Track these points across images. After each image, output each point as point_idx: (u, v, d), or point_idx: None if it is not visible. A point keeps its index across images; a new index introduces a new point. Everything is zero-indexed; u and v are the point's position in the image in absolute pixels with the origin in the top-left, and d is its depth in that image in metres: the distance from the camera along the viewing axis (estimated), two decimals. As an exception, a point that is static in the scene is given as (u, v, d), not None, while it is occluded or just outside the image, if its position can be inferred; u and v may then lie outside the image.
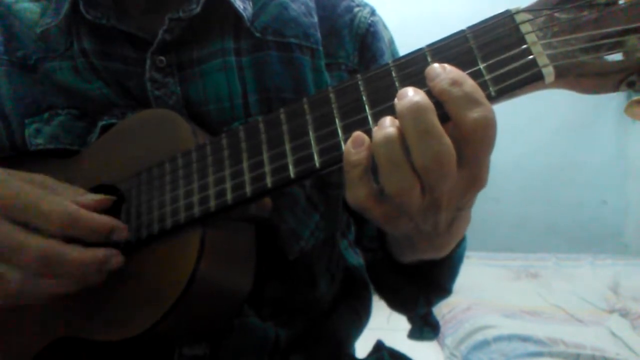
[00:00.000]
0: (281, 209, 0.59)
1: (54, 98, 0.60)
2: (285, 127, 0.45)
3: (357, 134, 0.41)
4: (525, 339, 1.80)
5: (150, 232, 0.50)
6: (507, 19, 0.39)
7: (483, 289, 2.17)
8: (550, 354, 1.72)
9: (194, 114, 0.59)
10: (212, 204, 0.47)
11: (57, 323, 0.53)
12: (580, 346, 1.74)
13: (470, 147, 0.39)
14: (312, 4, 0.65)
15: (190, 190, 0.49)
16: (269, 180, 0.45)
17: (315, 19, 0.64)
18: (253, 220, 0.54)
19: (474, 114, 0.37)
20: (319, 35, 0.63)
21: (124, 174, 0.54)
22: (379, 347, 0.74)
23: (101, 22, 0.58)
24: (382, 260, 0.63)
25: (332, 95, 0.44)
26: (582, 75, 0.36)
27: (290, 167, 0.44)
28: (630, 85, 0.35)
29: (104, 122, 0.59)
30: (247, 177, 0.46)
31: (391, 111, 0.40)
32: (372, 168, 0.41)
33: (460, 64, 0.39)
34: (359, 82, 0.43)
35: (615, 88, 0.36)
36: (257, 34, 0.61)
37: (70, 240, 0.46)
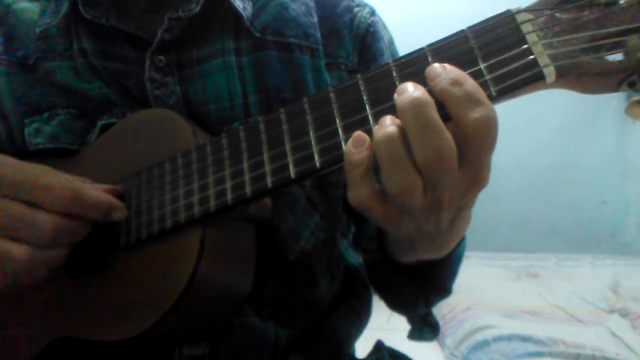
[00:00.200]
0: (281, 209, 0.59)
1: (53, 98, 0.60)
2: (285, 127, 0.45)
3: (358, 133, 0.41)
4: (525, 339, 1.80)
5: (150, 232, 0.50)
6: (507, 18, 0.39)
7: (483, 289, 2.17)
8: (550, 354, 1.72)
9: (193, 114, 0.59)
10: (212, 204, 0.47)
11: (57, 323, 0.53)
12: (580, 346, 1.74)
13: (471, 147, 0.38)
14: (312, 4, 0.65)
15: (190, 190, 0.49)
16: (269, 180, 0.45)
17: (315, 19, 0.64)
18: (253, 220, 0.54)
19: (476, 113, 0.37)
20: (318, 35, 0.63)
21: (123, 174, 0.54)
22: (379, 347, 0.74)
23: (100, 21, 0.58)
24: (381, 261, 0.63)
25: (332, 95, 0.44)
26: (582, 75, 0.36)
27: (291, 167, 0.44)
28: (631, 86, 0.35)
29: (103, 122, 0.59)
30: (247, 177, 0.46)
31: (392, 111, 0.40)
32: (373, 168, 0.41)
33: (461, 64, 0.39)
34: (360, 82, 0.43)
35: (616, 88, 0.36)
36: (257, 34, 0.61)
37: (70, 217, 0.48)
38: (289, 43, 0.62)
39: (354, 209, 0.42)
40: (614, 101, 2.71)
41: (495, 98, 0.39)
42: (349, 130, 0.42)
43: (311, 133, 0.44)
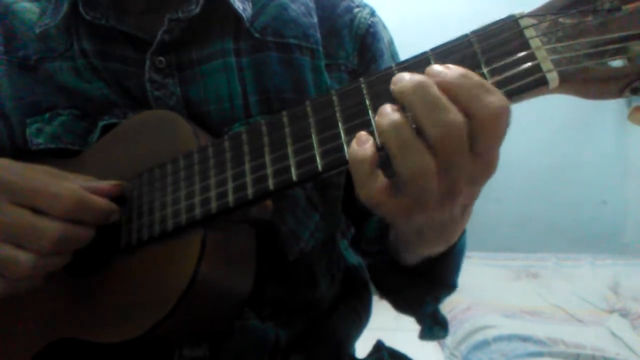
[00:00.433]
0: (281, 210, 0.59)
1: (55, 98, 0.60)
2: (287, 130, 0.45)
3: (361, 133, 0.40)
4: (525, 339, 1.80)
5: (152, 233, 0.50)
6: (511, 23, 0.39)
7: (483, 289, 2.16)
8: (550, 354, 1.72)
9: (194, 115, 0.59)
10: (214, 205, 0.47)
11: (57, 324, 0.53)
12: (580, 346, 1.74)
13: (486, 135, 0.38)
14: (311, 4, 0.65)
15: (192, 192, 0.49)
16: (270, 183, 0.45)
17: (315, 20, 0.64)
18: (254, 222, 0.54)
19: (490, 100, 0.37)
20: (318, 35, 0.63)
21: (125, 175, 0.54)
22: (379, 347, 0.74)
23: (100, 22, 0.58)
24: (383, 263, 0.63)
25: (335, 98, 0.44)
26: (586, 81, 0.36)
27: (293, 170, 0.44)
28: (635, 92, 0.35)
29: (104, 122, 0.59)
30: (248, 179, 0.46)
31: None
32: (380, 164, 0.41)
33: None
34: (362, 86, 0.43)
35: (619, 94, 0.36)
36: (257, 35, 0.61)
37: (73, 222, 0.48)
38: (289, 44, 0.62)
39: (366, 206, 0.42)
40: (613, 101, 2.70)
41: None
42: (351, 133, 0.42)
43: (313, 136, 0.44)
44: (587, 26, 0.35)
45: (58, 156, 0.59)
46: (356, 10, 0.67)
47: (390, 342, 0.75)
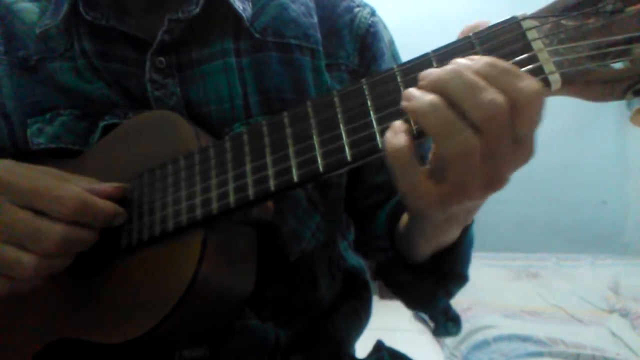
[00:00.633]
0: (282, 210, 0.59)
1: (55, 98, 0.60)
2: (289, 131, 0.45)
3: (395, 123, 0.39)
4: (525, 339, 1.80)
5: (152, 233, 0.50)
6: (513, 25, 0.38)
7: (483, 289, 2.16)
8: (550, 354, 1.72)
9: (194, 115, 0.59)
10: (215, 206, 0.47)
11: (57, 324, 0.53)
12: (580, 346, 1.74)
13: (523, 121, 0.37)
14: (312, 4, 0.65)
15: (193, 193, 0.49)
16: (272, 183, 0.45)
17: (315, 20, 0.64)
18: (255, 223, 0.54)
19: (523, 84, 0.36)
20: (319, 35, 0.63)
21: (125, 175, 0.54)
22: (379, 347, 0.74)
23: (101, 23, 0.58)
24: (394, 259, 0.63)
25: (336, 99, 0.44)
26: (588, 83, 0.36)
27: (294, 171, 0.44)
28: (637, 94, 0.34)
29: (105, 122, 0.59)
30: (250, 179, 0.46)
31: (396, 115, 0.40)
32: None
33: None
34: (364, 87, 0.42)
35: (622, 96, 0.36)
36: (257, 35, 0.61)
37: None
38: (289, 44, 0.61)
39: (406, 198, 0.41)
40: (614, 102, 2.70)
41: None
42: (352, 134, 0.42)
43: (314, 137, 0.44)
44: (589, 28, 0.35)
45: (58, 156, 0.59)
46: (356, 10, 0.66)
47: (390, 342, 0.75)
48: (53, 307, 0.54)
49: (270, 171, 0.45)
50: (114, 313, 0.50)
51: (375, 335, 0.77)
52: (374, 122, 0.41)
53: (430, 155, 0.41)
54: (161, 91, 0.58)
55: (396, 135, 0.39)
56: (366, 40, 0.66)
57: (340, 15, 0.65)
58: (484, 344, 1.79)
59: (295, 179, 0.44)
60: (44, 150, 0.60)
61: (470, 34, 0.39)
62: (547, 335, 1.80)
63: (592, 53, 0.35)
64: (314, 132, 0.44)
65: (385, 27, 0.70)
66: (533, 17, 0.38)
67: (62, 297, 0.54)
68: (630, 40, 0.34)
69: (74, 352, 0.54)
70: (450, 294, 0.63)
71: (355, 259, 0.76)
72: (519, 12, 0.39)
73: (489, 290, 2.17)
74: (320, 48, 0.63)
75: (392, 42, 0.71)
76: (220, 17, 0.61)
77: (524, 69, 0.38)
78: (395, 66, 0.42)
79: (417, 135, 0.39)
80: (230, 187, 0.47)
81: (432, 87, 0.38)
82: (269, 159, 0.46)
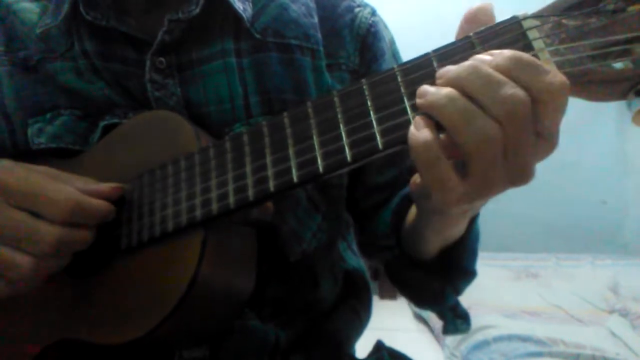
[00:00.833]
0: (282, 210, 0.59)
1: (56, 98, 0.60)
2: (289, 131, 0.45)
3: (417, 118, 0.39)
4: (525, 339, 1.79)
5: (152, 234, 0.50)
6: (514, 24, 0.38)
7: (483, 289, 2.15)
8: (550, 354, 1.71)
9: (194, 115, 0.59)
10: (215, 207, 0.47)
11: (57, 325, 0.53)
12: (580, 346, 1.74)
13: (549, 114, 0.37)
14: (312, 5, 0.65)
15: (193, 193, 0.49)
16: (271, 184, 0.45)
17: (316, 20, 0.64)
18: (255, 224, 0.54)
19: (547, 78, 0.35)
20: (319, 35, 0.63)
21: (126, 176, 0.54)
22: (379, 347, 0.73)
23: (101, 23, 0.58)
24: (401, 257, 0.62)
25: (336, 100, 0.43)
26: (589, 83, 0.36)
27: (294, 171, 0.44)
28: (638, 94, 0.34)
29: (105, 122, 0.59)
30: (249, 180, 0.46)
31: (397, 116, 0.40)
32: None
33: None
34: (364, 87, 0.42)
35: (623, 96, 0.36)
36: (257, 35, 0.61)
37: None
38: (290, 44, 0.61)
39: (433, 193, 0.40)
40: (614, 102, 2.70)
41: None
42: (352, 134, 0.42)
43: (314, 137, 0.43)
44: (591, 28, 0.35)
45: (59, 156, 0.59)
46: (357, 10, 0.66)
47: (390, 342, 0.75)
48: (53, 308, 0.54)
49: (270, 172, 0.45)
50: (114, 314, 0.50)
51: (375, 335, 0.77)
52: (374, 123, 0.41)
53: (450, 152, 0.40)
54: (161, 91, 0.58)
55: (420, 129, 0.38)
56: (367, 40, 0.65)
57: (340, 15, 0.65)
58: (484, 344, 1.79)
59: (295, 179, 0.43)
60: (45, 150, 0.60)
61: (471, 34, 0.39)
62: (547, 335, 1.80)
63: (593, 53, 0.35)
64: (314, 132, 0.44)
65: (386, 26, 0.70)
66: (534, 16, 0.37)
67: (61, 298, 0.54)
68: (631, 40, 0.34)
69: (74, 353, 0.54)
70: (459, 290, 0.63)
71: (354, 260, 0.76)
72: (519, 11, 0.39)
73: (489, 290, 2.16)
74: (321, 48, 0.63)
75: (392, 42, 0.71)
76: (221, 18, 0.61)
77: None
78: (395, 66, 0.42)
79: (440, 128, 0.38)
80: (230, 187, 0.47)
81: (449, 83, 0.38)
82: (268, 160, 0.46)
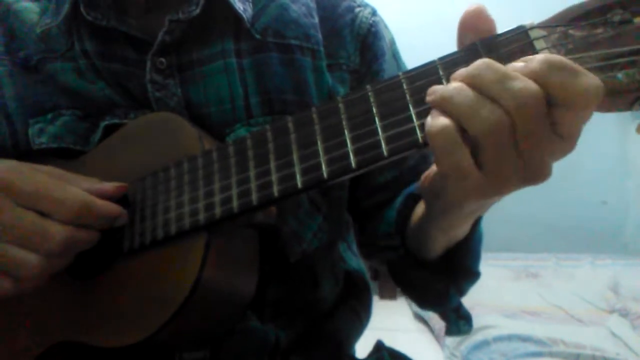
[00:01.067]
0: (283, 211, 0.59)
1: (57, 98, 0.60)
2: (293, 136, 0.45)
3: (432, 111, 0.38)
4: (525, 339, 1.80)
5: (155, 237, 0.50)
6: (521, 34, 0.38)
7: (483, 289, 2.15)
8: (550, 354, 1.72)
9: (195, 116, 0.59)
10: (218, 211, 0.47)
11: (58, 326, 0.53)
12: (580, 346, 1.74)
13: (579, 116, 0.36)
14: (312, 5, 0.65)
15: (196, 197, 0.49)
16: (275, 189, 0.45)
17: (316, 20, 0.64)
18: (258, 227, 0.54)
19: (585, 80, 0.35)
20: (319, 36, 0.63)
21: (128, 178, 0.54)
22: (379, 347, 0.74)
23: (101, 23, 0.58)
24: (405, 257, 0.62)
25: (341, 106, 0.43)
26: (595, 93, 0.36)
27: (298, 177, 0.44)
28: (645, 105, 0.34)
29: (106, 123, 0.59)
30: (253, 185, 0.46)
31: (402, 123, 0.40)
32: None
33: None
34: (369, 94, 0.42)
35: (629, 107, 0.36)
36: (258, 36, 0.61)
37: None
38: (290, 44, 0.61)
39: (448, 178, 0.40)
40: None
41: None
42: (357, 141, 0.42)
43: (319, 143, 0.43)
44: (597, 39, 0.35)
45: (60, 156, 0.59)
46: (357, 10, 0.67)
47: (390, 342, 0.75)
48: (55, 310, 0.54)
49: (274, 177, 0.45)
50: (116, 316, 0.50)
51: (375, 335, 0.77)
52: (380, 130, 0.41)
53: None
54: (162, 92, 0.58)
55: (437, 117, 0.38)
56: (367, 40, 0.65)
57: (341, 15, 0.66)
58: (484, 344, 1.79)
59: (299, 185, 0.43)
60: (46, 151, 0.60)
61: (477, 42, 0.39)
62: (547, 335, 1.80)
63: (600, 64, 0.35)
64: (319, 138, 0.44)
65: (386, 26, 0.70)
66: (541, 26, 0.37)
67: (63, 299, 0.54)
68: (638, 52, 0.34)
69: (75, 354, 0.54)
70: (462, 291, 0.62)
71: (354, 260, 0.76)
72: (520, 13, 0.39)
73: (489, 290, 2.16)
74: (321, 48, 0.63)
75: (393, 42, 0.71)
76: (221, 18, 0.61)
77: None
78: (400, 73, 0.42)
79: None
80: (234, 192, 0.47)
81: (462, 80, 0.38)
82: (272, 165, 0.45)
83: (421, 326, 2.28)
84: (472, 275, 0.61)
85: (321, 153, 0.43)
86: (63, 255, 0.48)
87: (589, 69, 0.35)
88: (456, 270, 0.59)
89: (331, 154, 0.43)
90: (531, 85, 0.35)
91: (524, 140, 0.36)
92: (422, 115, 0.39)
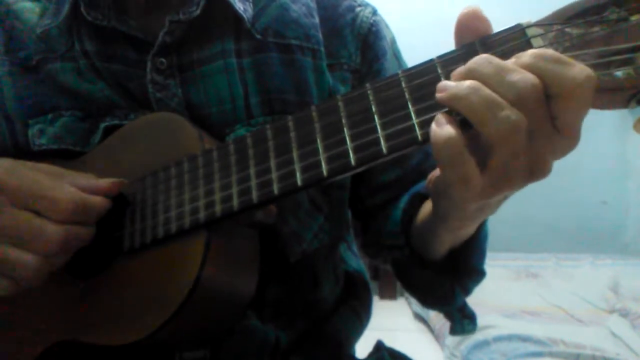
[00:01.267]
0: (283, 211, 0.59)
1: (57, 99, 0.60)
2: (293, 135, 0.45)
3: (437, 116, 0.38)
4: (525, 339, 1.79)
5: (155, 235, 0.50)
6: (518, 32, 0.38)
7: (483, 289, 2.13)
8: (550, 354, 1.71)
9: (195, 116, 0.59)
10: (218, 209, 0.47)
11: (58, 326, 0.53)
12: (580, 346, 1.74)
13: (574, 108, 0.36)
14: (313, 5, 0.65)
15: (196, 195, 0.49)
16: (275, 187, 0.45)
17: (317, 20, 0.64)
18: (258, 226, 0.54)
19: (575, 70, 0.35)
20: (320, 36, 0.63)
21: (128, 178, 0.54)
22: (379, 347, 0.74)
23: (102, 23, 0.58)
24: (411, 256, 0.62)
25: (340, 104, 0.44)
26: (592, 91, 0.36)
27: (298, 175, 0.44)
28: (641, 102, 0.35)
29: (106, 124, 0.59)
30: (253, 183, 0.46)
31: (400, 121, 0.40)
32: None
33: None
34: (368, 92, 0.42)
35: (625, 104, 0.36)
36: (258, 36, 0.61)
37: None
38: (290, 44, 0.62)
39: (455, 187, 0.39)
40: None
41: None
42: (357, 138, 0.42)
43: (319, 141, 0.44)
44: (594, 36, 0.35)
45: (60, 157, 0.59)
46: (358, 9, 0.67)
47: (390, 342, 0.75)
48: (55, 309, 0.54)
49: (274, 175, 0.45)
50: (116, 315, 0.50)
51: (375, 335, 0.77)
52: (379, 127, 0.41)
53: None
54: (162, 92, 0.58)
55: (442, 126, 0.37)
56: (368, 40, 0.66)
57: (341, 14, 0.66)
58: (484, 344, 1.79)
59: (299, 183, 0.44)
60: (46, 151, 0.60)
61: (475, 40, 0.39)
62: (547, 335, 1.80)
63: (596, 61, 0.35)
64: (318, 136, 0.44)
65: (387, 26, 0.71)
66: (538, 24, 0.38)
67: (64, 299, 0.54)
68: (634, 49, 0.34)
69: (75, 354, 0.54)
70: (468, 290, 0.62)
71: (354, 260, 0.76)
72: (520, 12, 0.39)
73: (489, 290, 2.15)
74: (322, 48, 0.63)
75: (394, 41, 0.71)
76: (221, 18, 0.61)
77: None
78: (399, 71, 0.42)
79: (461, 126, 0.37)
80: (234, 190, 0.47)
81: (465, 76, 0.37)
82: (272, 163, 0.46)
83: (421, 326, 2.28)
84: (477, 274, 0.61)
85: (321, 151, 0.43)
86: (60, 254, 0.48)
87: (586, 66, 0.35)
88: (462, 270, 0.59)
89: (331, 152, 0.43)
90: (529, 76, 0.35)
91: (532, 141, 0.36)
92: (421, 112, 0.40)
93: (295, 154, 0.45)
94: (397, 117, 0.40)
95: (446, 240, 0.55)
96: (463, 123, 0.37)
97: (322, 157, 0.43)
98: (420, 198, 0.61)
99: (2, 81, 0.61)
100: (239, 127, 0.59)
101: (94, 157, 0.59)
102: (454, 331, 0.63)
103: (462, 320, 0.62)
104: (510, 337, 1.80)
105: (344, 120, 0.43)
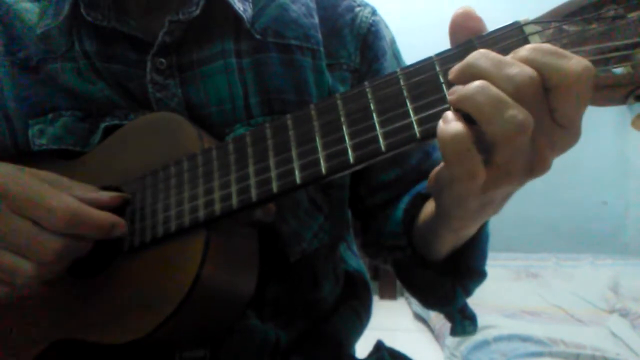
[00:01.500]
0: (283, 210, 0.59)
1: (57, 99, 0.60)
2: (291, 133, 0.45)
3: (446, 113, 0.38)
4: (525, 339, 1.79)
5: (155, 234, 0.50)
6: (515, 30, 0.38)
7: (483, 289, 2.13)
8: (550, 354, 1.71)
9: (195, 116, 0.59)
10: (217, 207, 0.47)
11: (58, 325, 0.53)
12: (580, 346, 1.74)
13: (572, 100, 0.36)
14: (312, 5, 0.65)
15: (196, 194, 0.49)
16: (274, 185, 0.45)
17: (316, 20, 0.64)
18: (257, 224, 0.54)
19: (573, 62, 0.35)
20: (319, 36, 0.63)
21: (128, 177, 0.54)
22: (379, 347, 0.74)
23: (102, 23, 0.58)
24: (412, 257, 0.61)
25: (339, 102, 0.44)
26: (590, 88, 0.36)
27: (296, 173, 0.44)
28: (638, 99, 0.35)
29: (106, 124, 0.59)
30: (252, 181, 0.46)
31: (399, 119, 0.40)
32: None
33: None
34: (367, 90, 0.42)
35: (623, 101, 0.36)
36: (258, 36, 0.61)
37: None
38: (290, 45, 0.62)
39: (459, 184, 0.39)
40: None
41: None
42: (355, 136, 0.42)
43: (317, 139, 0.44)
44: (591, 33, 0.35)
45: (60, 157, 0.60)
46: (357, 9, 0.67)
47: (390, 342, 0.75)
48: (54, 308, 0.54)
49: (273, 173, 0.45)
50: (115, 314, 0.50)
51: (375, 335, 0.77)
52: (377, 125, 0.41)
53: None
54: (162, 92, 0.59)
55: (450, 122, 0.37)
56: (367, 39, 0.66)
57: (341, 14, 0.66)
58: (484, 344, 1.79)
59: (298, 181, 0.44)
60: (46, 151, 0.60)
61: (473, 38, 0.40)
62: (547, 335, 1.80)
63: (594, 58, 0.35)
64: (317, 134, 0.44)
65: (386, 26, 0.71)
66: (535, 22, 0.38)
67: (63, 298, 0.54)
68: (632, 46, 0.34)
69: (75, 353, 0.54)
70: (469, 291, 0.62)
71: (354, 260, 0.76)
72: (519, 10, 0.39)
73: (489, 290, 2.15)
74: (321, 48, 0.63)
75: (393, 41, 0.71)
76: (221, 18, 0.61)
77: None
78: (398, 70, 0.42)
79: (468, 122, 0.37)
80: (233, 189, 0.47)
81: (463, 71, 0.37)
82: (271, 161, 0.46)
83: (421, 326, 2.28)
84: (478, 275, 0.61)
85: (319, 149, 0.43)
86: (57, 263, 0.48)
87: None
88: (463, 270, 0.59)
89: (329, 150, 0.43)
90: (527, 69, 0.35)
91: (533, 137, 0.36)
92: (420, 110, 0.40)
93: (294, 152, 0.45)
94: (396, 114, 0.41)
95: (448, 241, 0.55)
96: (467, 119, 0.37)
97: (321, 155, 0.43)
98: (422, 198, 0.61)
99: (3, 81, 0.61)
100: (239, 127, 0.59)
101: (94, 157, 0.59)
102: (454, 332, 0.63)
103: (463, 321, 0.62)
104: (510, 337, 1.80)
105: (342, 119, 0.43)
